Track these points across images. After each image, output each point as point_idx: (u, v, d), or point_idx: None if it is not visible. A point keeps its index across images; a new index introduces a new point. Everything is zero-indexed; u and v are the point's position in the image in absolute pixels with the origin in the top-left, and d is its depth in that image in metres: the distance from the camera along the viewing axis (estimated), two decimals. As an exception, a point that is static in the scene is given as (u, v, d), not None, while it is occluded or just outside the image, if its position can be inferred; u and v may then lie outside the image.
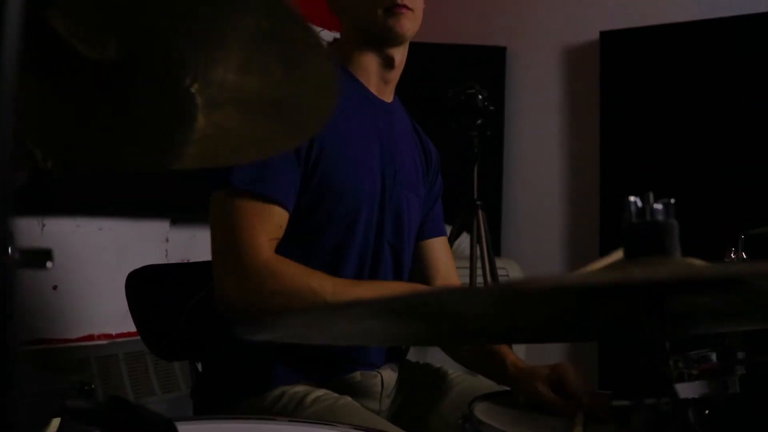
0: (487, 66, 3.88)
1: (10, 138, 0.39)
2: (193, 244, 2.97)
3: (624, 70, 3.66)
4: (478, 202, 2.94)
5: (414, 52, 1.64)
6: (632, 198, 0.63)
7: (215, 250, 1.43)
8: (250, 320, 0.64)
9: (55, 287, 2.48)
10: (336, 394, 1.43)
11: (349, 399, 1.43)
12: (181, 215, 2.94)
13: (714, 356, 0.92)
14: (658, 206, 0.62)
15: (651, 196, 0.63)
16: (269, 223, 1.39)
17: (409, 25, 1.50)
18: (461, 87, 2.80)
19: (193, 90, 0.62)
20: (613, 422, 1.23)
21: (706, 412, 0.88)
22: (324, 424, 1.13)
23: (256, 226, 1.37)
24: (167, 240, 2.94)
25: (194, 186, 1.42)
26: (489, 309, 0.63)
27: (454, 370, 1.71)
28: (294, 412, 1.37)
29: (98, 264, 2.59)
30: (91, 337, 2.61)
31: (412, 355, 1.90)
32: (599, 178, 3.67)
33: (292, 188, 1.41)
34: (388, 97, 1.62)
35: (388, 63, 1.55)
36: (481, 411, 1.26)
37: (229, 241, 1.38)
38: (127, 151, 0.72)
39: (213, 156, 0.69)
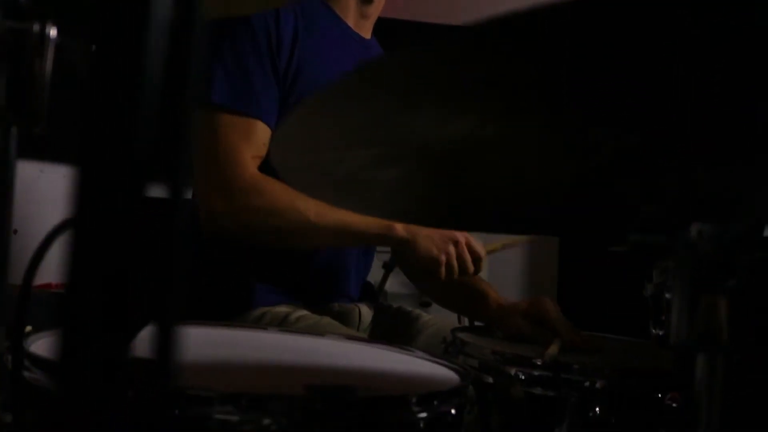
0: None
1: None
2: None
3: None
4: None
5: (380, 28, 1.67)
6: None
7: (198, 168, 1.41)
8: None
9: (15, 231, 2.39)
10: (318, 316, 1.41)
11: (330, 319, 1.42)
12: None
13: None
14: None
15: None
16: (252, 139, 1.38)
17: None
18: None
19: None
20: (588, 351, 1.27)
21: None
22: (314, 335, 1.11)
23: (239, 142, 1.36)
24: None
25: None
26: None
27: (427, 314, 1.71)
28: None
29: (60, 212, 2.50)
30: (49, 286, 2.52)
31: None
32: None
33: (273, 105, 1.40)
34: (366, 33, 1.63)
35: None
36: (463, 336, 1.27)
37: (211, 159, 1.37)
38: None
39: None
